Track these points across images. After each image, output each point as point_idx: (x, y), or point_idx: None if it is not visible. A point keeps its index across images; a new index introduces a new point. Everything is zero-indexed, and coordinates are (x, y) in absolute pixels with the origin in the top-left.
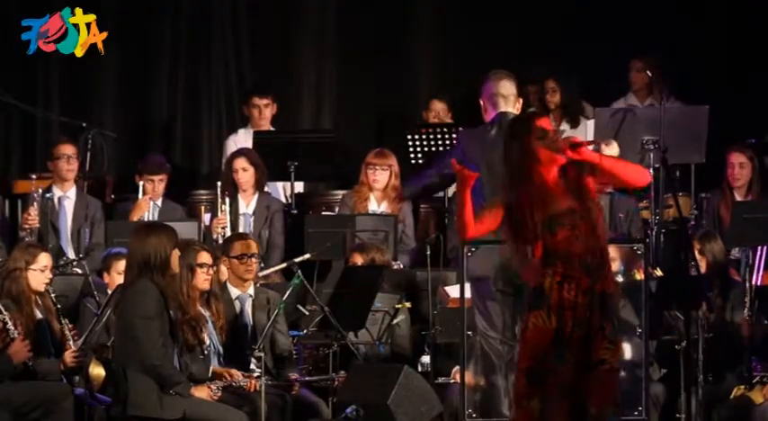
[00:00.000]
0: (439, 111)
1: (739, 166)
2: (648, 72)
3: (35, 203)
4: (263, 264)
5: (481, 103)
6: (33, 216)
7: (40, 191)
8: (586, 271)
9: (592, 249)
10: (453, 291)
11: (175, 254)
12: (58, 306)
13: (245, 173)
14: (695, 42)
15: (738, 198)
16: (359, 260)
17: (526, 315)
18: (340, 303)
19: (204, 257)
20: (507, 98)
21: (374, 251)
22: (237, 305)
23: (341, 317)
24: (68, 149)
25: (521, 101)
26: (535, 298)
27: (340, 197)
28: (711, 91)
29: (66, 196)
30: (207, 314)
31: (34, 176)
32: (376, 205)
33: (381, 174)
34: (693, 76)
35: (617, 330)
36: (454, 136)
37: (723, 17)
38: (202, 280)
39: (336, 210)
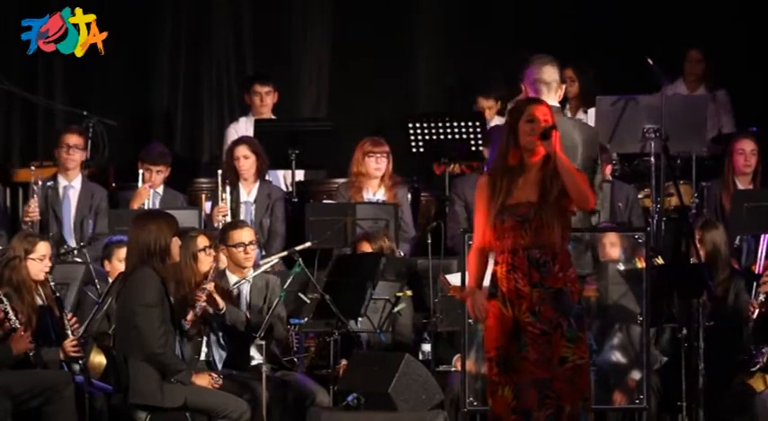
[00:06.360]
0: (485, 108)
1: (751, 153)
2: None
3: (35, 195)
4: (263, 252)
5: (522, 87)
6: (33, 208)
7: (40, 183)
8: (534, 265)
9: (541, 245)
10: (454, 279)
11: (176, 241)
12: (58, 294)
13: (246, 161)
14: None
15: (741, 186)
16: (367, 248)
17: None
18: (335, 291)
19: (203, 241)
20: (550, 85)
21: (382, 239)
22: (235, 291)
23: (338, 305)
24: (71, 139)
25: (563, 87)
26: (492, 286)
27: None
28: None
29: (71, 186)
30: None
31: (33, 168)
32: (372, 194)
33: (382, 162)
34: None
35: (577, 327)
36: (455, 124)
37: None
38: (207, 263)
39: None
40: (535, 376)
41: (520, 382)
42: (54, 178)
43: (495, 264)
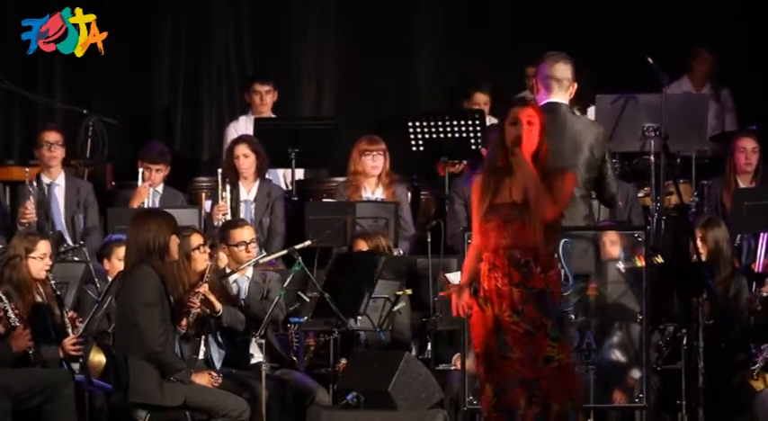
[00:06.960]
0: (480, 103)
1: (752, 151)
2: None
3: (31, 197)
4: (263, 251)
5: (534, 83)
6: (30, 210)
7: (35, 184)
8: (514, 265)
9: (522, 246)
10: (454, 277)
11: (174, 239)
12: (59, 293)
13: (246, 159)
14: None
15: (743, 184)
16: (363, 247)
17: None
18: (334, 290)
19: (196, 239)
20: (561, 82)
21: (378, 238)
22: (235, 288)
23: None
24: (51, 137)
25: (575, 85)
26: (475, 283)
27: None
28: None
29: (56, 184)
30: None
31: (27, 170)
32: (370, 192)
33: (378, 160)
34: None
35: (559, 327)
36: (455, 122)
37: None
38: (201, 262)
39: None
40: (521, 375)
41: (501, 381)
42: (38, 178)
43: (480, 262)
